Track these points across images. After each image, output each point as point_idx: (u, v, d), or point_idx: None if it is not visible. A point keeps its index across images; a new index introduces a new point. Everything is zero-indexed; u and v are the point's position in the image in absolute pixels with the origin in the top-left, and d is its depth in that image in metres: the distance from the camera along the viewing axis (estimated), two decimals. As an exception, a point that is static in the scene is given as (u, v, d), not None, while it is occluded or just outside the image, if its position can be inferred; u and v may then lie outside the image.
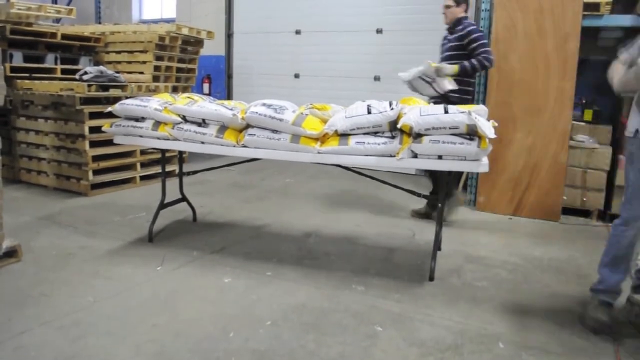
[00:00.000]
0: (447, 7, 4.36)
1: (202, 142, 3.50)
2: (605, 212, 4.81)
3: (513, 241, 4.15)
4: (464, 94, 4.27)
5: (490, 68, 4.31)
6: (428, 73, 4.06)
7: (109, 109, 3.78)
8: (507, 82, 4.73)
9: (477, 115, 2.94)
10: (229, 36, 8.51)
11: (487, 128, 2.90)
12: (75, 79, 5.52)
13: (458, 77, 4.16)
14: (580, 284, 3.33)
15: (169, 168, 5.36)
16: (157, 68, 6.56)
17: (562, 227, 4.58)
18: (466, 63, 4.14)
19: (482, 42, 4.18)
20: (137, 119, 3.66)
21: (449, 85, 4.09)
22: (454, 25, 4.35)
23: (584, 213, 4.86)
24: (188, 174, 4.17)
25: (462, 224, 4.55)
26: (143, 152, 5.69)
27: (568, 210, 4.85)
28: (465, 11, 4.39)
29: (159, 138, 3.64)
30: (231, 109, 3.45)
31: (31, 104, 5.43)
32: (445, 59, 4.36)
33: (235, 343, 2.50)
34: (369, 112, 3.14)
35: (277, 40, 7.94)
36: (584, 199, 4.82)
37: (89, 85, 5.23)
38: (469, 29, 4.22)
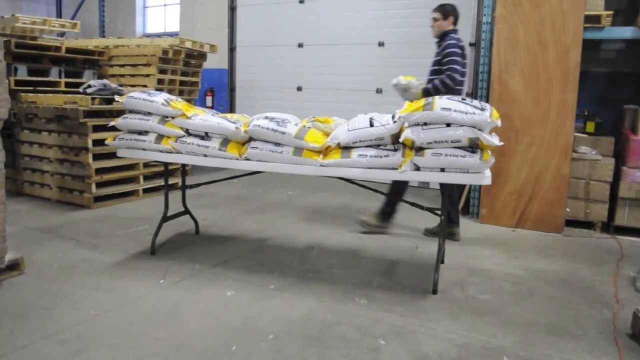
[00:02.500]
0: (435, 20, 4.25)
1: (205, 155, 3.52)
2: (609, 223, 4.79)
3: (516, 253, 4.13)
4: None
5: (453, 87, 3.98)
6: (399, 87, 4.10)
7: (112, 123, 3.80)
8: (509, 94, 4.74)
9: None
10: (231, 50, 8.57)
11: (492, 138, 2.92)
12: (79, 92, 5.55)
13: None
14: (585, 296, 3.31)
15: (171, 181, 5.38)
16: (160, 81, 6.59)
17: (566, 239, 4.56)
18: (429, 85, 4.05)
19: (451, 58, 4.00)
20: (140, 132, 3.68)
21: None
22: (440, 38, 4.23)
23: (588, 225, 4.84)
24: (191, 186, 4.17)
25: (465, 236, 4.54)
26: (146, 165, 5.70)
27: (571, 222, 4.83)
28: (454, 24, 4.25)
29: (162, 151, 3.65)
30: (234, 122, 3.47)
31: (35, 117, 5.46)
32: (429, 73, 4.23)
33: (238, 357, 2.48)
34: (372, 125, 3.15)
35: (280, 53, 8.00)
36: (587, 211, 4.80)
37: (93, 99, 5.26)
38: (447, 42, 4.08)
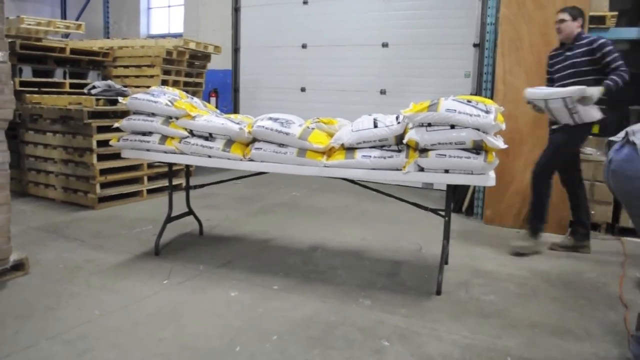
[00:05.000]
0: (562, 21, 3.99)
1: (209, 156, 3.52)
2: (614, 225, 4.77)
3: (520, 254, 4.11)
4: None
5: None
6: (572, 99, 3.69)
7: (116, 124, 3.81)
8: (513, 95, 4.72)
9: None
10: (235, 50, 8.58)
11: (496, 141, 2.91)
12: (83, 93, 5.57)
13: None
14: (590, 297, 3.29)
15: (175, 181, 5.38)
16: (164, 82, 6.60)
17: (570, 241, 4.54)
18: (609, 81, 3.69)
19: (616, 55, 3.76)
20: (144, 133, 3.68)
21: (597, 113, 3.79)
22: (574, 40, 3.98)
23: (592, 226, 4.80)
24: (195, 187, 4.18)
25: (469, 237, 4.53)
26: (150, 166, 5.71)
27: (576, 224, 4.81)
28: (582, 26, 4.01)
29: (165, 152, 3.66)
30: (238, 123, 3.47)
31: (40, 117, 5.48)
32: (567, 76, 3.97)
33: (242, 357, 2.48)
34: (375, 126, 3.15)
35: (284, 54, 8.00)
36: (592, 212, 4.77)
37: (97, 100, 5.28)
38: (600, 41, 3.82)
